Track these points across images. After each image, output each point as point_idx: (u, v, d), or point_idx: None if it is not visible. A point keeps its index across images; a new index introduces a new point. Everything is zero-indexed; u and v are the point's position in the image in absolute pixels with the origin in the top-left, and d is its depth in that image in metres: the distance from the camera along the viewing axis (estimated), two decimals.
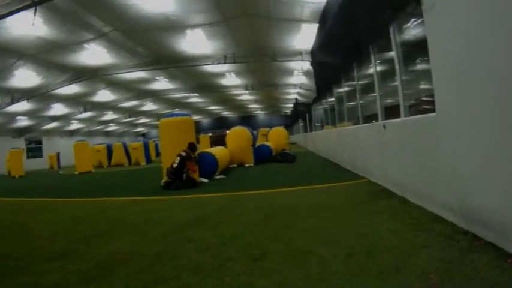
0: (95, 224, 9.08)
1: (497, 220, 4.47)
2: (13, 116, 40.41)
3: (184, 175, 14.65)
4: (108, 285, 4.78)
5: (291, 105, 61.13)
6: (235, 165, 23.06)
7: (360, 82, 14.64)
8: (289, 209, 8.61)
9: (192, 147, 15.55)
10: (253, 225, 7.42)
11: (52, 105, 40.23)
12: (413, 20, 9.07)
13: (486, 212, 4.72)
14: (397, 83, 9.06)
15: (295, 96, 51.87)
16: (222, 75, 37.06)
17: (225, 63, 28.82)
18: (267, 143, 26.71)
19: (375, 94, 11.22)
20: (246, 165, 23.21)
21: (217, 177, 17.20)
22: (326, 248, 5.40)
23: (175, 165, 14.59)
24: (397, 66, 9.02)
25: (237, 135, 23.99)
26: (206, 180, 15.86)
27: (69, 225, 9.24)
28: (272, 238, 6.32)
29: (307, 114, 39.11)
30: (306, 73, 33.75)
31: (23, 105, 35.61)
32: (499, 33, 4.12)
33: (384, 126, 9.29)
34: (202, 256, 5.66)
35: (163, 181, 15.38)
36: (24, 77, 27.22)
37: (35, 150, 51.57)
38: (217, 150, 20.05)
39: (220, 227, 7.60)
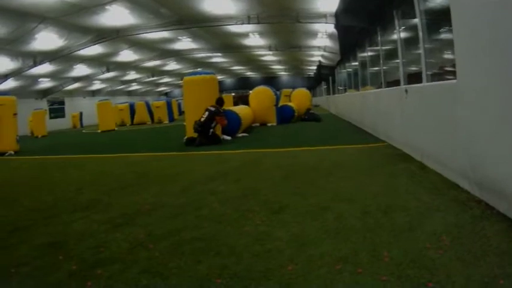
0: (119, 178, 9.40)
1: (510, 190, 4.52)
2: (36, 78, 40.42)
3: (211, 130, 14.92)
4: (132, 233, 5.02)
5: (315, 68, 60.30)
6: (258, 125, 23.28)
7: (384, 48, 14.60)
8: (309, 167, 8.86)
9: (220, 102, 15.80)
10: (273, 181, 7.69)
11: (74, 66, 40.11)
12: None
13: (500, 181, 4.78)
14: (420, 50, 9.08)
15: (319, 58, 51.35)
16: (245, 35, 36.76)
17: (248, 23, 28.64)
18: (290, 104, 26.64)
19: (398, 60, 11.23)
20: (269, 124, 23.40)
21: (240, 135, 17.55)
22: (343, 205, 5.61)
23: (203, 119, 14.83)
24: (420, 33, 9.04)
25: (260, 94, 24.11)
26: (229, 138, 16.18)
27: (94, 179, 9.58)
28: (291, 193, 6.55)
29: (330, 77, 38.94)
30: (330, 36, 33.37)
31: (46, 67, 35.76)
32: None
33: (406, 91, 9.32)
34: (224, 207, 5.95)
35: (185, 138, 15.68)
36: (46, 40, 27.23)
37: (57, 110, 51.69)
38: (240, 109, 20.28)
39: (241, 181, 7.87)
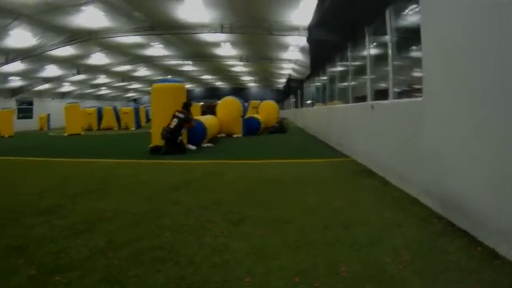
0: (83, 183, 9.18)
1: (471, 208, 4.59)
2: (6, 76, 40.37)
3: (180, 138, 14.84)
4: (92, 240, 4.92)
5: (284, 81, 60.97)
6: (224, 135, 23.14)
7: (354, 63, 14.69)
8: (273, 180, 8.83)
9: (186, 106, 15.71)
10: (236, 193, 7.61)
11: (46, 67, 40.21)
12: (414, 6, 9.15)
13: (462, 199, 4.84)
14: (389, 66, 9.14)
15: (289, 71, 51.80)
16: (217, 44, 37.01)
17: (221, 32, 28.80)
18: (256, 116, 26.63)
19: (367, 76, 11.30)
20: (235, 135, 23.30)
21: (205, 145, 17.40)
22: (305, 218, 5.60)
23: (172, 126, 14.71)
24: (389, 50, 9.09)
25: (227, 105, 24.03)
26: (194, 147, 15.99)
27: (58, 183, 9.37)
28: (253, 206, 6.50)
29: (299, 91, 39.13)
30: (301, 49, 33.74)
31: (17, 66, 35.70)
32: (486, 23, 4.24)
33: (372, 107, 9.41)
34: (185, 217, 5.87)
35: (150, 146, 15.48)
36: (20, 37, 27.24)
37: (26, 111, 51.33)
38: (206, 119, 20.16)
39: (204, 192, 7.80)
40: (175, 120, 14.86)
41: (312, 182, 8.55)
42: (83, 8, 23.38)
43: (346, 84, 15.95)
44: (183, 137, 15.18)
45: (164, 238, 4.95)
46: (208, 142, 18.08)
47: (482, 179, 4.39)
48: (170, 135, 14.64)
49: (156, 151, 14.77)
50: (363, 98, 11.80)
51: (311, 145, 17.44)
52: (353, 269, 3.75)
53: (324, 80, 22.29)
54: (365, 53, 11.52)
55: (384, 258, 3.98)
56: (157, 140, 15.24)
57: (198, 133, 16.92)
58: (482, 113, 4.38)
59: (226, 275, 3.77)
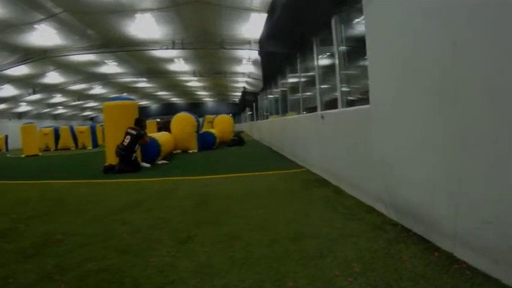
0: (36, 205, 9.00)
1: (424, 212, 4.55)
2: None
3: (134, 155, 14.72)
4: (41, 264, 4.80)
5: (239, 94, 61.18)
6: (179, 151, 22.99)
7: (306, 74, 14.71)
8: (225, 195, 8.72)
9: (138, 122, 15.51)
10: (186, 210, 7.52)
11: (1, 87, 39.47)
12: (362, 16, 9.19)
13: (414, 204, 4.80)
14: (336, 75, 9.14)
15: (244, 84, 51.96)
16: (170, 60, 37.07)
17: (173, 48, 28.85)
18: (211, 131, 26.55)
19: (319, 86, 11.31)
20: (190, 151, 23.15)
21: (160, 162, 17.19)
22: (254, 234, 5.48)
23: (125, 143, 14.59)
24: (336, 60, 9.10)
25: (181, 121, 23.81)
26: (148, 165, 15.75)
27: (10, 206, 9.20)
28: (202, 222, 6.39)
29: (254, 103, 39.22)
30: (254, 62, 33.90)
31: None
32: (432, 26, 4.21)
33: (322, 117, 9.41)
34: (133, 237, 5.77)
35: (105, 165, 15.21)
36: None
37: None
38: (160, 136, 19.95)
39: (155, 210, 7.66)
40: (128, 137, 14.70)
41: (263, 195, 8.47)
42: (35, 26, 23.27)
43: (299, 95, 15.97)
44: (137, 154, 15.03)
45: (111, 260, 4.81)
46: (163, 159, 17.88)
47: (437, 184, 4.32)
48: (124, 152, 14.48)
49: (109, 170, 14.56)
50: (315, 108, 11.79)
51: (265, 157, 17.43)
52: (300, 284, 3.64)
53: (277, 92, 22.36)
54: (318, 63, 11.52)
55: (333, 271, 3.87)
56: (111, 159, 15.05)
57: (151, 150, 16.73)
58: (427, 117, 4.35)
59: None
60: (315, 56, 11.17)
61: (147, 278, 4.17)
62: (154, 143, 17.15)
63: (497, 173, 3.33)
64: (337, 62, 9.08)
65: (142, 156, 15.93)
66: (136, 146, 14.85)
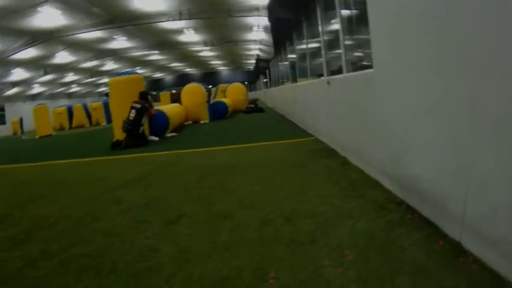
0: (36, 187, 8.98)
1: (431, 189, 4.00)
2: None
3: (141, 128, 14.75)
4: (28, 249, 4.75)
5: (253, 61, 60.81)
6: (191, 122, 22.94)
7: (318, 39, 14.34)
8: (226, 168, 8.55)
9: (143, 95, 15.51)
10: (183, 186, 7.41)
11: (12, 71, 40.00)
12: None
13: (420, 179, 4.24)
14: (340, 38, 8.71)
15: (257, 52, 51.58)
16: (179, 31, 36.98)
17: (180, 19, 28.67)
18: (223, 100, 26.47)
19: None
20: (201, 121, 23.12)
21: (169, 134, 17.14)
22: (246, 212, 5.22)
23: (131, 118, 14.59)
24: (339, 24, 8.68)
25: (191, 92, 23.85)
26: (156, 139, 15.78)
27: (10, 190, 9.22)
28: (196, 200, 6.22)
29: (267, 70, 38.86)
30: (265, 29, 33.40)
31: None
32: None
33: (328, 83, 8.93)
34: (122, 218, 5.68)
35: (113, 141, 15.21)
36: None
37: None
38: (168, 108, 19.95)
39: (152, 187, 7.60)
40: (133, 111, 14.70)
41: (266, 167, 8.21)
42: (38, 9, 23.23)
43: (308, 62, 15.63)
44: (144, 127, 15.00)
45: (95, 244, 4.71)
46: (172, 131, 17.80)
47: (444, 157, 3.68)
48: (131, 127, 14.48)
49: (117, 146, 14.56)
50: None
51: (277, 126, 17.11)
52: (283, 275, 3.29)
53: (288, 58, 22.00)
54: (328, 28, 11.13)
55: (322, 260, 3.45)
56: (119, 134, 15.10)
57: (159, 123, 16.67)
58: (438, 81, 3.69)
59: (142, 285, 3.55)
60: (319, 21, 10.75)
61: (125, 264, 4.02)
62: (162, 116, 17.08)
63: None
64: (340, 24, 8.66)
65: (150, 130, 15.92)
66: (143, 120, 14.84)
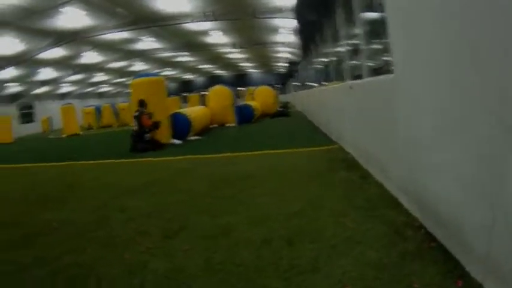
0: (49, 189, 9.39)
1: (453, 215, 3.44)
2: (2, 83, 40.84)
3: (147, 135, 14.76)
4: (22, 256, 4.77)
5: (284, 64, 60.65)
6: (216, 126, 22.68)
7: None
8: (242, 177, 8.28)
9: (141, 103, 15.36)
10: (193, 195, 7.24)
11: (40, 70, 40.72)
12: None
13: (441, 201, 3.70)
14: (362, 38, 8.34)
15: (286, 54, 51.40)
16: (205, 33, 37.07)
17: (204, 21, 28.99)
18: (250, 103, 26.20)
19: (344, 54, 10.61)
20: (227, 125, 22.82)
21: (193, 138, 16.94)
22: (248, 229, 4.97)
23: (135, 128, 14.81)
24: (360, 30, 8.39)
25: (217, 93, 23.71)
26: (179, 142, 15.73)
27: (26, 190, 9.54)
28: (202, 211, 6.06)
29: (296, 73, 38.61)
30: (293, 31, 33.18)
31: (11, 72, 36.38)
32: None
33: (351, 87, 8.54)
34: (122, 228, 5.62)
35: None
36: (8, 44, 27.93)
37: (28, 115, 51.91)
38: (192, 111, 19.85)
39: (160, 195, 7.53)
40: (135, 121, 14.99)
41: (282, 177, 7.87)
42: (61, 9, 23.43)
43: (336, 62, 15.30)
44: (155, 133, 15.11)
45: (87, 254, 4.67)
46: (196, 135, 17.59)
47: (467, 175, 3.12)
48: (138, 138, 14.73)
49: (134, 149, 14.62)
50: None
51: (302, 132, 16.57)
52: None
53: (315, 61, 21.67)
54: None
55: None
56: None
57: (182, 127, 16.57)
58: (462, 88, 3.10)
59: None
60: (338, 23, 10.53)
61: (111, 279, 3.94)
62: (184, 119, 16.96)
63: None
64: (360, 29, 8.25)
65: (173, 133, 16.04)
66: (146, 128, 14.94)
